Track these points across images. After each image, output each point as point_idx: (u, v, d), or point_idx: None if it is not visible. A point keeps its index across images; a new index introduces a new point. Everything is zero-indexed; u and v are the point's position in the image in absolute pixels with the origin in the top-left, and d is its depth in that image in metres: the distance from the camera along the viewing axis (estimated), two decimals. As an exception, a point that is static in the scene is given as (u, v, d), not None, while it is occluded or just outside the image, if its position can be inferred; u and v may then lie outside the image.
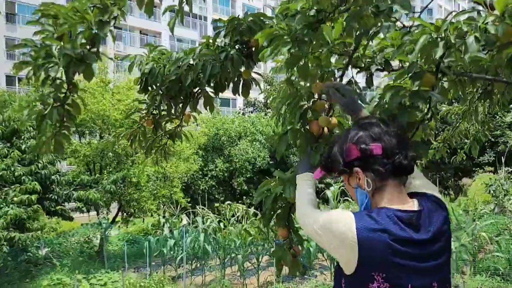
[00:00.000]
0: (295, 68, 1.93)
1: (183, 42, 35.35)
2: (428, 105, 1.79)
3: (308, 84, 2.06)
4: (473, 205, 16.03)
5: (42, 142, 2.21)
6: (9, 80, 26.68)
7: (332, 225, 1.31)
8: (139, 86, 2.86)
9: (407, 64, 1.85)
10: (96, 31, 2.00)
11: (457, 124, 4.72)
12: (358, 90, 2.02)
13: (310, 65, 1.99)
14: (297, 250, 2.03)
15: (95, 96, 15.13)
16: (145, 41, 33.07)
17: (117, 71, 22.35)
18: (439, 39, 1.57)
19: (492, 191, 17.13)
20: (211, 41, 2.67)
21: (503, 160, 18.67)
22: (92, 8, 2.00)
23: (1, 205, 11.62)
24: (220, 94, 2.85)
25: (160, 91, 2.96)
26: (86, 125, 15.78)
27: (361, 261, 1.25)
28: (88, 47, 2.02)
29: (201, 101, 3.04)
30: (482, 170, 23.93)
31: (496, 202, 16.65)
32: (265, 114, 25.68)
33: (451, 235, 1.41)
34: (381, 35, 1.85)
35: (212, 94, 2.96)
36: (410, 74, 1.71)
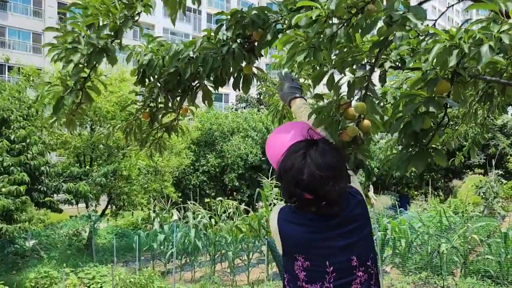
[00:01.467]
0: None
1: (176, 35, 35.08)
2: (444, 112, 1.76)
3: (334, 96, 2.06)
4: (463, 206, 16.13)
5: (56, 119, 2.38)
6: (-1, 69, 26.27)
7: (271, 214, 1.62)
8: (136, 77, 2.78)
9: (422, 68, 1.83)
10: (119, 24, 2.16)
11: (456, 127, 4.69)
12: (294, 81, 2.13)
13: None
14: None
15: (87, 87, 14.92)
16: (138, 34, 32.77)
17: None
18: (453, 47, 1.53)
19: (482, 193, 17.28)
20: (212, 34, 2.60)
21: (493, 162, 18.82)
22: (119, 2, 2.18)
23: (-12, 196, 11.42)
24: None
25: (158, 84, 2.89)
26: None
27: (284, 245, 1.54)
28: (111, 39, 2.20)
29: (199, 95, 2.97)
30: (472, 172, 24.14)
31: (485, 204, 16.80)
32: (258, 110, 25.58)
33: (366, 217, 1.59)
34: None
35: (211, 89, 2.88)
36: (425, 81, 1.69)
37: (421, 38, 1.75)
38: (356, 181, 1.68)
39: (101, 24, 2.20)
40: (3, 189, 11.65)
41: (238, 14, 2.50)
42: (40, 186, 13.72)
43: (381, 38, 1.75)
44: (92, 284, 9.93)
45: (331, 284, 1.48)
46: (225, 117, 22.42)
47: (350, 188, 1.59)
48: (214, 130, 21.33)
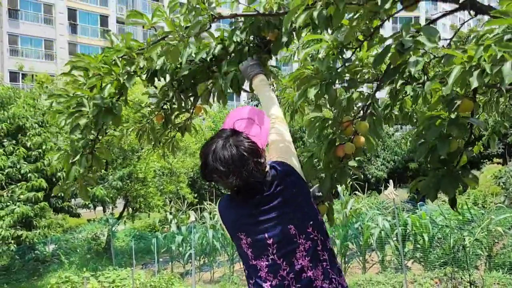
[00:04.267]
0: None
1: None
2: (470, 132, 1.72)
3: (335, 111, 2.11)
4: (482, 197, 15.84)
5: (68, 186, 2.37)
6: (13, 76, 26.62)
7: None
8: (145, 75, 2.73)
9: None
10: (124, 81, 2.13)
11: (477, 116, 4.54)
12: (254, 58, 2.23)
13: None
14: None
15: (100, 91, 15.02)
16: (148, 36, 32.89)
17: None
18: (473, 68, 1.45)
19: (502, 183, 16.93)
20: (225, 34, 2.55)
21: (512, 151, 18.44)
22: (119, 59, 2.15)
23: (8, 203, 11.55)
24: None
25: (172, 86, 2.85)
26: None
27: (228, 229, 1.70)
28: (116, 98, 2.19)
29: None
30: (490, 162, 23.71)
31: (506, 194, 16.45)
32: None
33: (297, 186, 1.66)
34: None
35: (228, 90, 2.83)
36: (446, 102, 1.65)
37: (435, 60, 1.70)
38: (292, 156, 1.74)
39: (103, 83, 2.17)
40: (22, 196, 11.77)
41: (253, 17, 2.46)
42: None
43: (392, 67, 1.73)
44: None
45: (275, 256, 1.57)
46: (237, 115, 22.39)
47: (274, 163, 1.68)
48: (223, 104, 21.27)
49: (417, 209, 10.90)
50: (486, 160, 24.20)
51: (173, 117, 3.07)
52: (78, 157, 2.20)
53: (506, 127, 4.51)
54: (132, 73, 2.13)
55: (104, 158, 2.34)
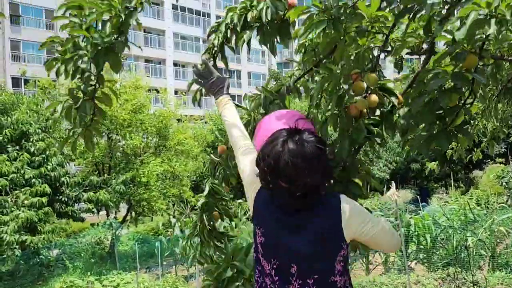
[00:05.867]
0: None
1: (187, 39, 35.24)
2: (470, 88, 1.66)
3: (344, 65, 1.95)
4: (485, 197, 15.81)
5: (74, 137, 2.18)
6: (15, 82, 26.71)
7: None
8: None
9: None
10: (124, 18, 1.90)
11: (476, 123, 4.58)
12: (223, 75, 1.98)
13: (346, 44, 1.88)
14: None
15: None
16: (149, 40, 32.98)
17: (122, 70, 22.25)
18: (488, 16, 1.43)
19: (504, 183, 16.92)
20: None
21: (515, 151, 18.43)
22: None
23: (12, 209, 11.61)
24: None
25: None
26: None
27: (253, 212, 1.65)
28: (115, 36, 1.94)
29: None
30: (492, 161, 23.65)
31: (509, 194, 16.43)
32: (272, 110, 25.53)
33: (333, 234, 1.52)
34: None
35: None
36: (452, 54, 1.58)
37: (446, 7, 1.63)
38: (362, 209, 1.58)
39: (100, 21, 1.95)
40: (26, 201, 11.83)
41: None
42: (61, 197, 13.91)
43: (407, 6, 1.61)
44: (117, 291, 10.02)
45: (273, 272, 1.52)
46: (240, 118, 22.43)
47: (336, 195, 1.55)
48: None
49: (420, 210, 10.91)
50: (489, 160, 24.15)
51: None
52: (80, 102, 2.04)
53: (504, 133, 4.55)
54: (132, 8, 1.92)
55: (106, 105, 2.14)
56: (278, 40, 2.12)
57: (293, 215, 1.51)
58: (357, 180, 1.83)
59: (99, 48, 1.89)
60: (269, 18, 1.96)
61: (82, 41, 1.93)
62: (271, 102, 2.14)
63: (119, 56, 1.94)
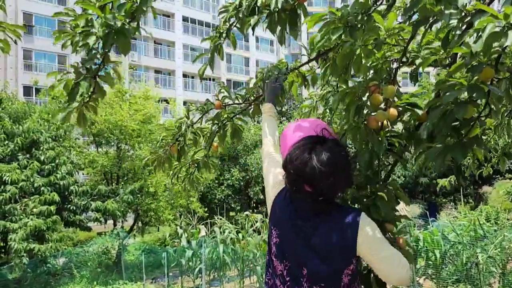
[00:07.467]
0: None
1: (196, 51, 35.53)
2: (486, 100, 1.66)
3: (362, 79, 1.97)
4: (495, 214, 15.63)
5: (69, 111, 2.15)
6: (26, 91, 27.05)
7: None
8: None
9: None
10: (139, 3, 1.94)
11: (489, 139, 4.56)
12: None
13: (363, 57, 1.89)
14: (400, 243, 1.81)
15: (113, 106, 15.20)
16: (159, 51, 33.29)
17: (132, 80, 22.46)
18: (506, 28, 1.42)
19: (515, 199, 16.75)
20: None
21: (525, 167, 18.26)
22: None
23: (21, 216, 11.67)
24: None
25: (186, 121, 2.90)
26: (103, 135, 15.86)
27: (270, 212, 1.74)
28: (128, 20, 1.96)
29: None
30: (502, 177, 23.42)
31: (519, 210, 16.25)
32: (280, 122, 25.55)
33: (342, 250, 1.56)
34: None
35: (240, 126, 2.87)
36: (469, 66, 1.58)
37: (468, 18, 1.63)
38: (375, 228, 1.57)
39: (115, 3, 1.96)
40: (35, 209, 11.90)
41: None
42: (69, 205, 13.97)
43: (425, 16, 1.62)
44: (123, 302, 9.99)
45: (285, 272, 1.58)
46: (247, 130, 22.46)
47: (357, 210, 1.60)
48: (237, 143, 21.38)
49: (429, 225, 10.81)
50: (498, 175, 23.91)
51: (188, 152, 3.03)
52: (81, 78, 2.03)
53: None
54: None
55: (108, 84, 2.13)
56: (288, 30, 2.12)
57: (310, 220, 1.56)
58: (383, 194, 1.82)
59: (111, 29, 1.91)
60: (279, 6, 1.97)
61: (96, 20, 1.94)
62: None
63: (128, 39, 1.95)
